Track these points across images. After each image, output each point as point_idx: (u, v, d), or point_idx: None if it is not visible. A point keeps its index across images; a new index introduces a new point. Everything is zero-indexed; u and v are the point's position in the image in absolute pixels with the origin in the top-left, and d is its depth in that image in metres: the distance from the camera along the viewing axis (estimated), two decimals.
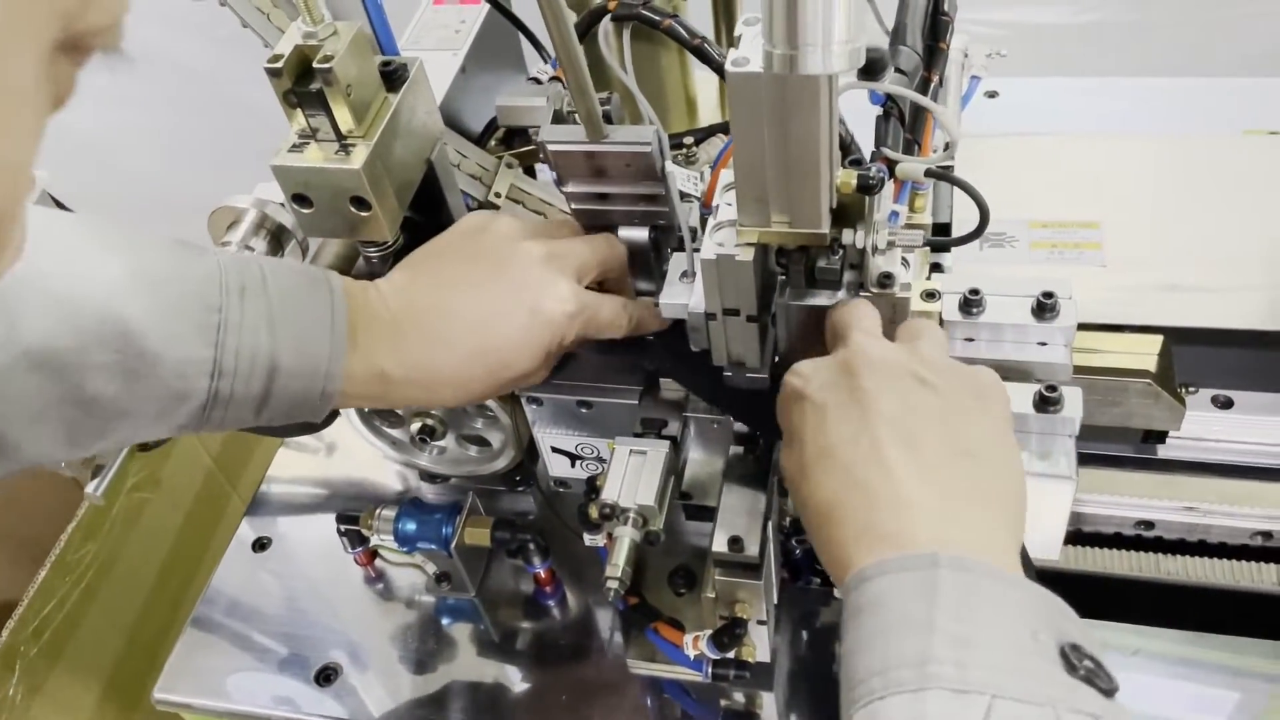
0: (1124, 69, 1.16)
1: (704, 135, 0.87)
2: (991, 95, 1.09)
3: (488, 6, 0.88)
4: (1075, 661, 0.43)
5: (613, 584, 0.61)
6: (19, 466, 0.55)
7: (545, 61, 0.83)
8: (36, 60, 0.27)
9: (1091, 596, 0.63)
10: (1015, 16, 1.48)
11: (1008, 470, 0.53)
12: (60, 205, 0.87)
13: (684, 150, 0.85)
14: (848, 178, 0.56)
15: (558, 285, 0.64)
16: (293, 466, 0.95)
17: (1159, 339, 0.72)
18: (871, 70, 0.58)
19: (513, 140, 0.89)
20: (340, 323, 0.60)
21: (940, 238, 0.64)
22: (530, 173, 0.89)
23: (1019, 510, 0.52)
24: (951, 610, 0.44)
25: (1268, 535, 0.78)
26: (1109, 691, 0.43)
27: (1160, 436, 0.79)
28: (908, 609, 0.45)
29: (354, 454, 0.94)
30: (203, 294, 0.57)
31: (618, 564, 0.62)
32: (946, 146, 0.63)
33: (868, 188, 0.56)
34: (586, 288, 0.67)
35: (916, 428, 0.52)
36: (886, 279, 0.59)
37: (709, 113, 1.01)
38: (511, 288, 0.63)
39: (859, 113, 0.68)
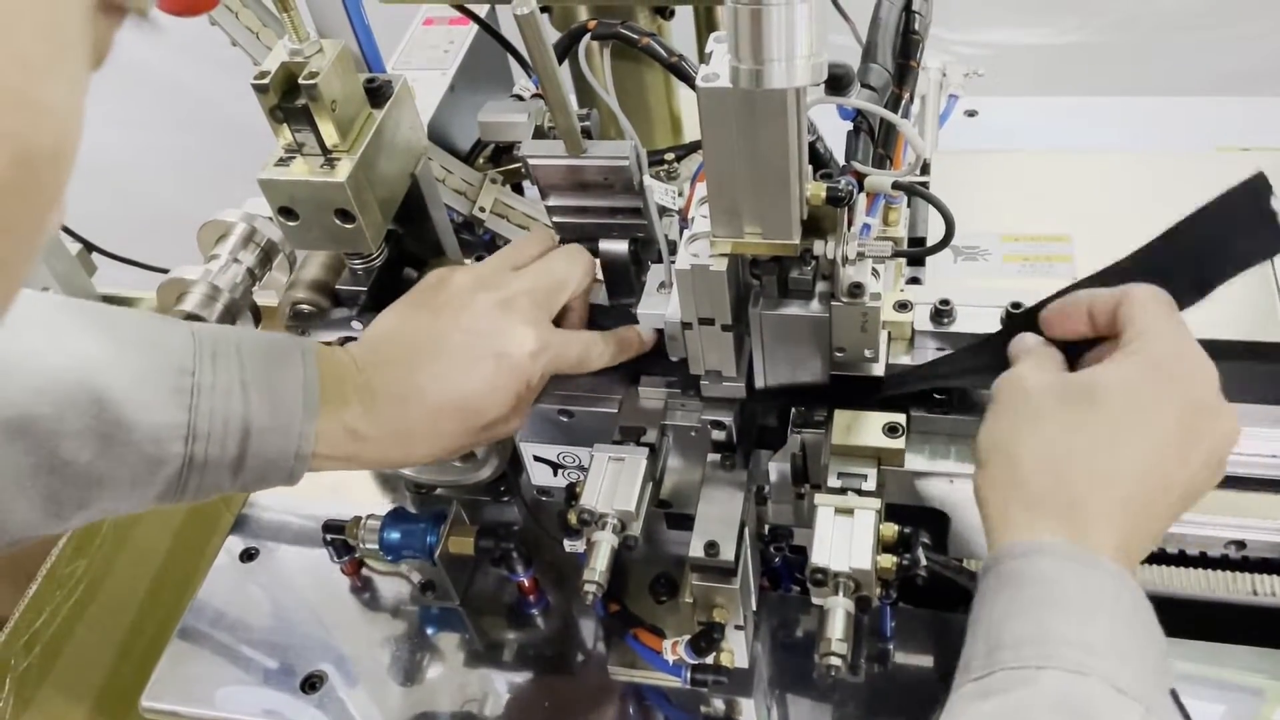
0: (1105, 89, 1.18)
1: (685, 151, 0.89)
2: (971, 114, 1.11)
3: (476, 27, 0.90)
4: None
5: (590, 588, 0.62)
6: (5, 540, 0.56)
7: (529, 79, 0.85)
8: (84, 15, 0.29)
9: None
10: (999, 38, 1.51)
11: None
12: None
13: (665, 166, 0.87)
14: (818, 190, 0.58)
15: (516, 329, 0.65)
16: None
17: None
18: (837, 85, 0.60)
19: (501, 157, 0.91)
20: (312, 383, 0.61)
21: (908, 249, 0.65)
22: (518, 189, 0.91)
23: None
24: (1116, 614, 0.48)
25: (1241, 545, 0.79)
26: None
27: None
28: (1072, 595, 0.48)
29: None
30: (176, 360, 0.58)
31: (595, 568, 0.63)
32: (918, 161, 0.65)
33: (837, 200, 0.57)
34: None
35: (1147, 448, 0.52)
36: (856, 289, 0.60)
37: (693, 129, 1.03)
38: (473, 337, 0.64)
39: (840, 129, 0.70)
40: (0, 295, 0.29)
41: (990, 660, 0.47)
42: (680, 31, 0.95)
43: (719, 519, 0.67)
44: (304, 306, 0.74)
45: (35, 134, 0.28)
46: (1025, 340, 0.60)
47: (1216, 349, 0.72)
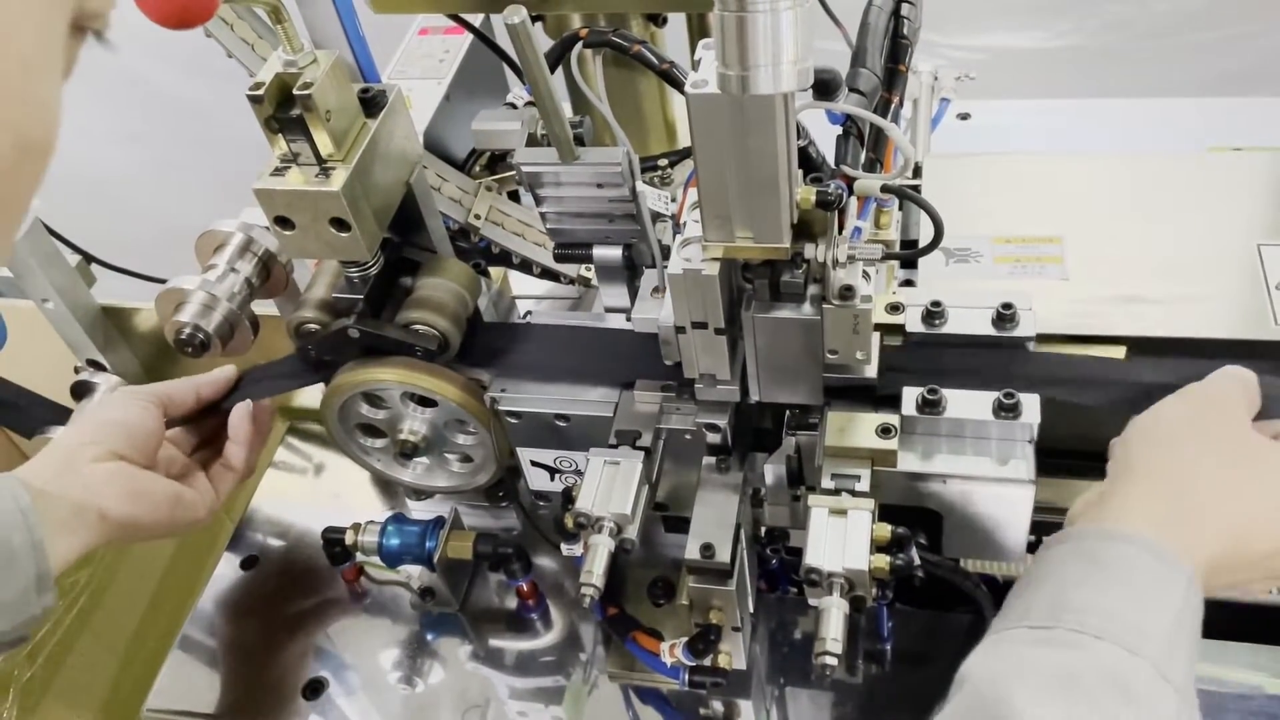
0: (1098, 91, 1.19)
1: (679, 157, 0.89)
2: (964, 117, 1.12)
3: (471, 36, 0.91)
4: None
5: (588, 591, 0.63)
6: None
7: (523, 86, 0.86)
8: (64, 26, 0.34)
9: None
10: (993, 41, 1.52)
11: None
12: (55, 235, 0.89)
13: (659, 171, 0.87)
14: (807, 194, 0.58)
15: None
16: (281, 485, 0.97)
17: (1122, 350, 0.73)
18: (826, 90, 0.60)
19: (496, 165, 0.91)
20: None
21: (898, 251, 0.66)
22: (514, 196, 0.92)
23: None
24: (1182, 617, 0.52)
25: None
26: None
27: None
28: (1146, 585, 0.52)
29: (340, 472, 0.96)
30: None
31: (593, 571, 0.63)
32: (907, 165, 0.65)
33: (827, 203, 0.58)
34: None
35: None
36: (848, 291, 0.61)
37: (689, 135, 1.04)
38: None
39: (833, 133, 0.71)
40: None
41: (1054, 616, 0.51)
42: (674, 39, 0.96)
43: (715, 521, 0.67)
44: (311, 326, 0.74)
45: (31, 126, 0.33)
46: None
47: (1210, 348, 0.72)
